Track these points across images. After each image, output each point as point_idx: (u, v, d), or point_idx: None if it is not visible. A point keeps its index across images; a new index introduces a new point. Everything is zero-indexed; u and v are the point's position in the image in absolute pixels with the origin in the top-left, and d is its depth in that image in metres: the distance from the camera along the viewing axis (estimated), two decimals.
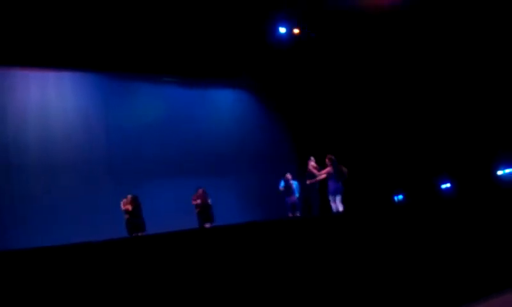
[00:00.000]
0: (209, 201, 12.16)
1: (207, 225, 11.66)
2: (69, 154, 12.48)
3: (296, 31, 14.53)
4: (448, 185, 13.86)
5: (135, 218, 11.05)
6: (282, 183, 12.26)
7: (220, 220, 11.64)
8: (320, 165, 11.02)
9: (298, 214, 12.05)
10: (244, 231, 4.72)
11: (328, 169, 10.41)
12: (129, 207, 11.07)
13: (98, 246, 4.06)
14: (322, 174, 10.62)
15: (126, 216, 11.11)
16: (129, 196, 11.26)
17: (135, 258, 3.92)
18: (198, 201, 12.12)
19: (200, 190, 12.22)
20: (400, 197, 14.74)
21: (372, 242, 5.59)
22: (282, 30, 14.35)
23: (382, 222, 6.14)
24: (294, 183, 12.40)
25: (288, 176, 12.35)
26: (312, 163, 11.32)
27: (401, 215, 6.81)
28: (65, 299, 3.47)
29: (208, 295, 3.94)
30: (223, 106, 15.79)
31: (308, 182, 11.30)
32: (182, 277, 3.95)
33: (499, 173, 13.30)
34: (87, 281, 3.62)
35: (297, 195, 12.26)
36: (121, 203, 11.24)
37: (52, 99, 12.77)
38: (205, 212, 11.98)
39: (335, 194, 10.29)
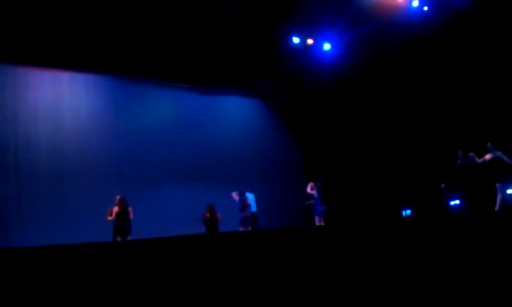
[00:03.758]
0: (218, 215, 12.25)
1: None
2: (78, 155, 12.53)
3: (310, 41, 14.55)
4: (457, 202, 13.73)
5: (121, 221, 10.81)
6: (238, 199, 12.39)
7: (228, 227, 11.65)
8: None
9: (249, 229, 12.18)
10: (246, 240, 4.72)
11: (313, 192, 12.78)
12: (116, 209, 10.85)
13: (100, 247, 4.07)
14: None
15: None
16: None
17: (137, 261, 3.93)
18: (207, 215, 12.20)
19: (208, 206, 12.30)
20: (408, 212, 14.63)
21: (378, 255, 5.55)
22: (296, 40, 14.38)
23: (389, 236, 6.10)
24: (251, 196, 12.60)
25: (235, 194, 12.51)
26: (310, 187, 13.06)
27: (408, 230, 6.76)
28: (67, 297, 3.48)
29: (208, 299, 3.94)
30: (234, 114, 15.81)
31: (305, 203, 13.07)
32: (181, 282, 3.95)
33: (509, 191, 13.17)
34: (89, 281, 3.63)
35: (254, 209, 12.52)
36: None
37: (64, 100, 12.84)
38: (211, 226, 12.03)
39: (320, 216, 12.56)
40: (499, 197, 10.95)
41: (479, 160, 11.22)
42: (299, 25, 14.01)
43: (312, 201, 12.75)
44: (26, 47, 11.61)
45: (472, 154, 11.35)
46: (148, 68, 13.51)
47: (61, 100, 12.80)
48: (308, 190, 12.93)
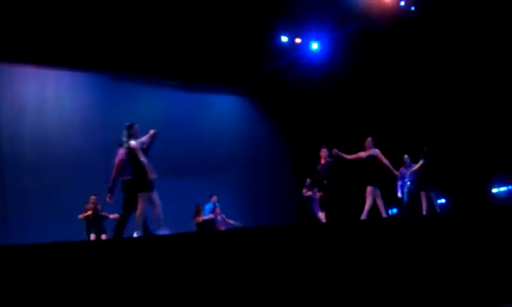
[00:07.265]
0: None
1: None
2: (64, 153, 12.42)
3: (298, 40, 14.59)
4: (443, 200, 13.88)
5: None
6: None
7: None
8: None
9: None
10: (234, 238, 4.73)
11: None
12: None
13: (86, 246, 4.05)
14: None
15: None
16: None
17: (125, 260, 3.92)
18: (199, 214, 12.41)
19: (198, 206, 12.47)
20: (394, 210, 14.74)
21: (364, 253, 5.60)
22: (284, 39, 14.41)
23: (374, 234, 6.15)
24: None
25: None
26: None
27: (394, 228, 6.83)
28: (52, 297, 3.47)
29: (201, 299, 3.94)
30: (223, 111, 15.84)
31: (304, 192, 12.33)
32: (171, 281, 3.95)
33: (494, 190, 13.35)
34: (75, 281, 3.61)
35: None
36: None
37: (50, 97, 12.73)
38: (201, 226, 12.13)
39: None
40: (368, 202, 9.56)
41: (349, 157, 9.96)
42: (287, 24, 14.03)
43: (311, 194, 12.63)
44: (11, 43, 11.47)
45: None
46: (136, 65, 13.44)
47: (47, 97, 12.69)
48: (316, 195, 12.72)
